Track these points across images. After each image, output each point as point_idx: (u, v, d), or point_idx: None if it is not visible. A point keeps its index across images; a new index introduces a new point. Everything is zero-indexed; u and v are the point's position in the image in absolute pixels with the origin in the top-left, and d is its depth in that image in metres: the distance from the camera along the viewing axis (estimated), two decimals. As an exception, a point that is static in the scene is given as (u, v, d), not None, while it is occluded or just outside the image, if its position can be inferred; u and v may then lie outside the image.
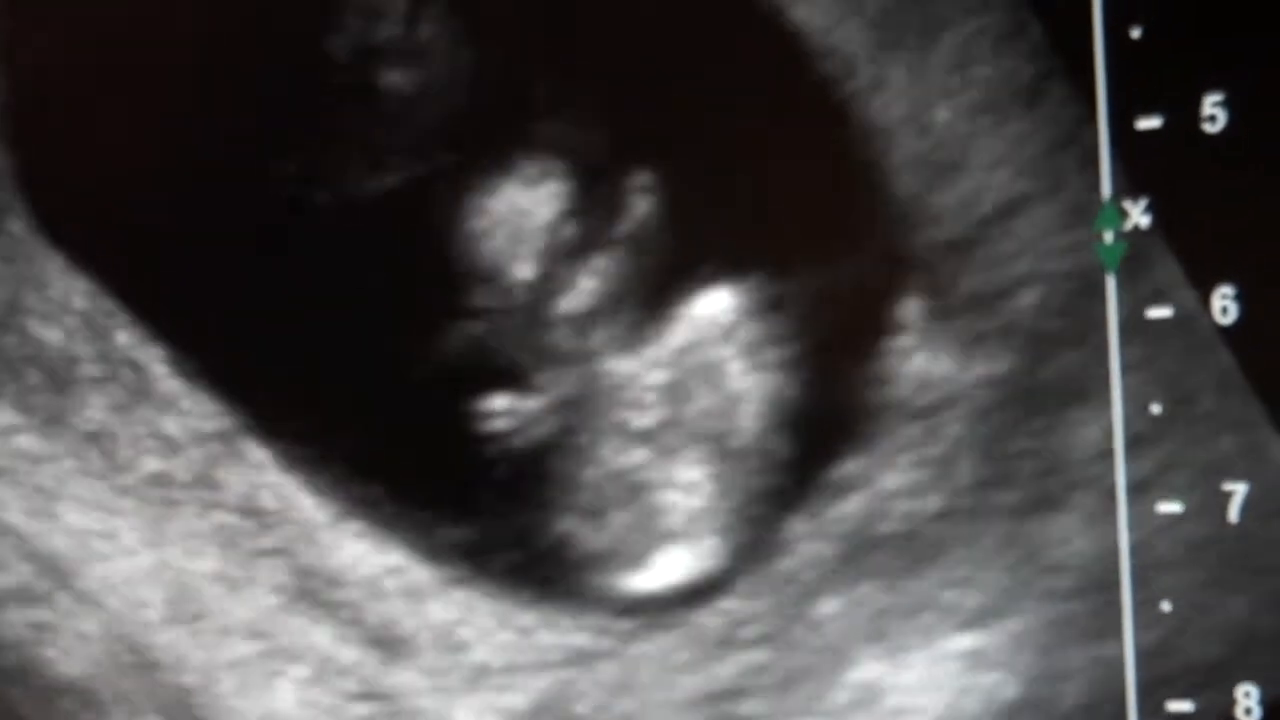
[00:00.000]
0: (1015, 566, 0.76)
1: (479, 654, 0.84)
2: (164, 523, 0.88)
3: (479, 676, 0.84)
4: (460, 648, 0.84)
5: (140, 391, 0.87)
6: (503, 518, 0.83)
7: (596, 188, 0.80)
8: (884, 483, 0.77)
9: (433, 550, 0.84)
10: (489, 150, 0.82)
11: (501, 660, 0.84)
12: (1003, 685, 0.77)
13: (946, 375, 0.76)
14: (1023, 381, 0.75)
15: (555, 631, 0.83)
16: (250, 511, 0.87)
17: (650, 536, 0.81)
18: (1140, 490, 0.74)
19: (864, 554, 0.78)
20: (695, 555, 0.81)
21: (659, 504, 0.81)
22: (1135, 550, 0.74)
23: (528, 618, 0.83)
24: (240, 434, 0.86)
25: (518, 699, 0.84)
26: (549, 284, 0.82)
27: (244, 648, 0.87)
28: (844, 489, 0.78)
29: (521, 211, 0.82)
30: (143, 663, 0.89)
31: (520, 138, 0.81)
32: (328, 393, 0.85)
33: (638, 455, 0.81)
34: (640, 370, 0.81)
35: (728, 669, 0.81)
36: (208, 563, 0.87)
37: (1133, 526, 0.74)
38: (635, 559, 0.82)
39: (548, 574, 0.83)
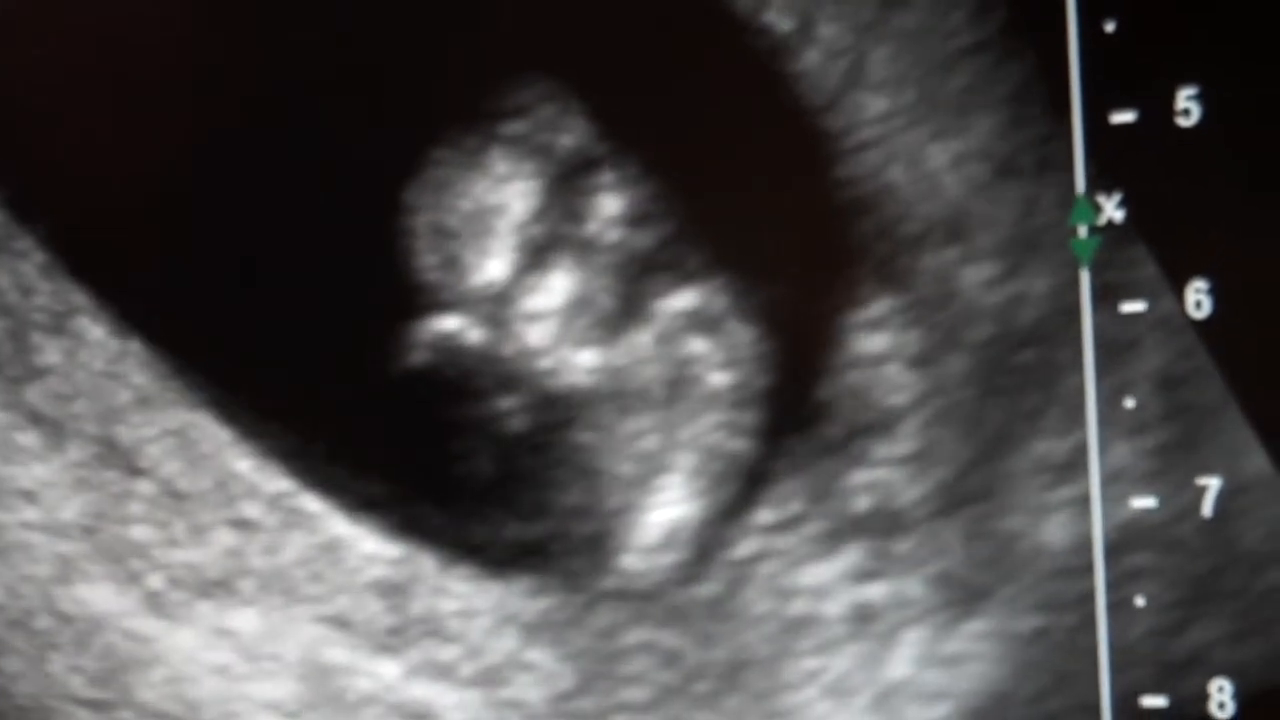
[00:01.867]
0: (988, 562, 0.76)
1: (466, 638, 0.84)
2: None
3: (463, 659, 0.84)
4: (446, 631, 0.84)
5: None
6: (481, 508, 0.83)
7: (567, 185, 0.80)
8: (854, 479, 0.77)
9: (414, 537, 0.84)
10: (461, 146, 0.82)
11: (484, 641, 0.84)
12: (976, 681, 0.77)
13: (917, 371, 0.76)
14: (995, 376, 0.75)
15: (531, 612, 0.83)
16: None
17: (621, 527, 0.81)
18: (1114, 485, 0.74)
19: (832, 550, 0.78)
20: (663, 547, 0.81)
21: (630, 496, 0.81)
22: (1109, 545, 0.74)
23: (508, 600, 0.83)
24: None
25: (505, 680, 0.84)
26: (520, 280, 0.82)
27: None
28: (813, 485, 0.78)
29: (492, 208, 0.82)
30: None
31: (492, 135, 0.81)
32: (305, 389, 0.85)
33: (606, 451, 0.81)
34: (610, 366, 0.80)
35: (710, 651, 0.80)
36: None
37: (1106, 521, 0.74)
38: (606, 549, 0.81)
39: (526, 560, 0.82)
